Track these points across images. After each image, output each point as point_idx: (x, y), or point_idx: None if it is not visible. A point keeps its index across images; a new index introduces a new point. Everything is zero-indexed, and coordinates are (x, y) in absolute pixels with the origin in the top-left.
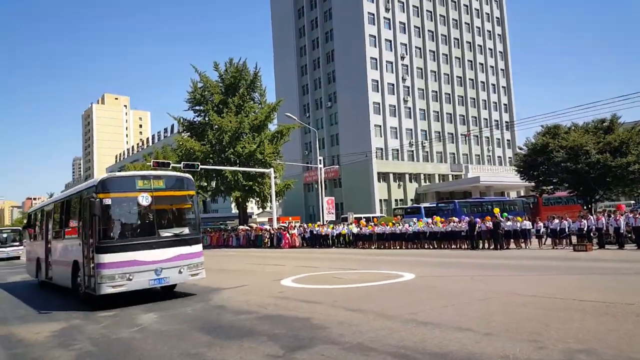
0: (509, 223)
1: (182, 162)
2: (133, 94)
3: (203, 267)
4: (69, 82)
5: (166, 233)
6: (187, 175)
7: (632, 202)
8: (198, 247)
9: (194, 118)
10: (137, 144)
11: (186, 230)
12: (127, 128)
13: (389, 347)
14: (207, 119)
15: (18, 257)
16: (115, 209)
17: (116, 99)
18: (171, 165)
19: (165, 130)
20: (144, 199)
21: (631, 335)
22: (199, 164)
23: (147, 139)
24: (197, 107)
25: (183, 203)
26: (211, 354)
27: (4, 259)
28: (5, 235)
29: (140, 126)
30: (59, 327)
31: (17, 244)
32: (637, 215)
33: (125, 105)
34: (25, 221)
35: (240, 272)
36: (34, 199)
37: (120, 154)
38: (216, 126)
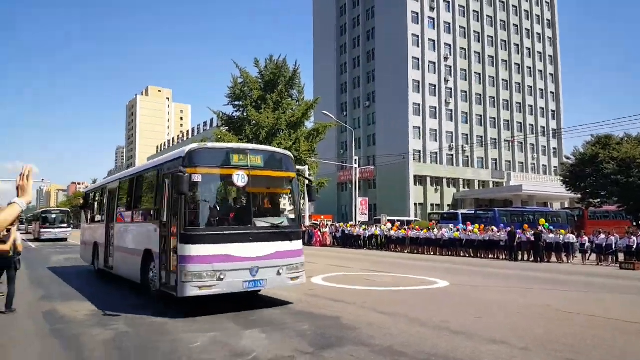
0: (551, 235)
1: None
2: (175, 87)
3: (304, 269)
4: (116, 73)
5: (263, 223)
6: (288, 152)
7: None
8: (299, 244)
9: (232, 113)
10: (178, 136)
11: (285, 222)
12: (168, 120)
13: (419, 354)
14: (245, 114)
15: (66, 239)
16: (205, 188)
17: (159, 91)
18: None
19: (205, 123)
20: (240, 178)
21: None
22: None
23: (187, 131)
24: (236, 102)
25: (282, 187)
26: (242, 343)
27: (52, 240)
28: (54, 216)
29: (181, 119)
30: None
31: (65, 225)
32: None
33: (168, 98)
34: (81, 201)
35: None
36: (78, 184)
37: (161, 145)
38: (254, 122)
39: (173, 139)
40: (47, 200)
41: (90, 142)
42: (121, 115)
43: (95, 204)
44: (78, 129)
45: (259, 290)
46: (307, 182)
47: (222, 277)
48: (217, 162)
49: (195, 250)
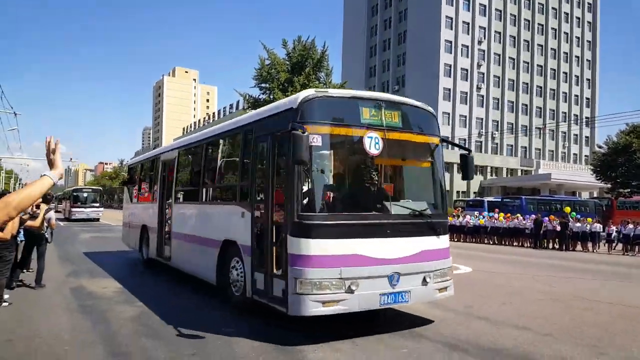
0: (577, 224)
1: None
2: (202, 68)
3: (452, 276)
4: (143, 53)
5: (402, 209)
6: (431, 109)
7: None
8: (446, 240)
9: (259, 95)
10: (204, 118)
11: (428, 208)
12: (195, 102)
13: (440, 337)
14: (272, 97)
15: (98, 219)
16: (324, 156)
17: (186, 72)
18: None
19: (231, 106)
20: (374, 143)
21: None
22: None
23: (214, 113)
24: (263, 85)
25: (424, 157)
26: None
27: (84, 220)
28: (85, 194)
29: (208, 100)
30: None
31: (98, 204)
32: None
33: (195, 79)
34: (126, 175)
35: None
36: (106, 163)
37: (187, 127)
38: None
39: (199, 120)
40: (75, 180)
41: (117, 123)
42: (148, 96)
43: (145, 178)
44: (105, 109)
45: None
46: (462, 151)
47: (353, 288)
48: (341, 118)
49: (316, 247)
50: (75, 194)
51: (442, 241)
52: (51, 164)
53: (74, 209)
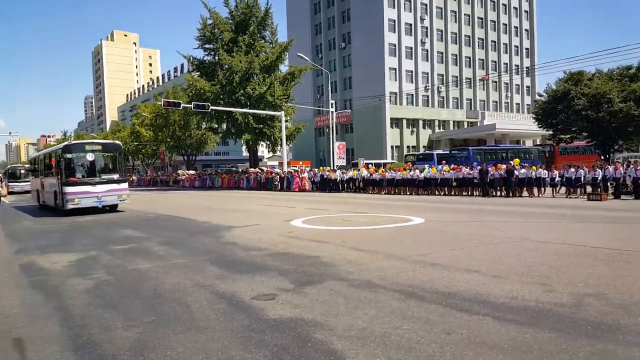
0: (522, 171)
1: (192, 103)
2: (142, 31)
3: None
4: (79, 15)
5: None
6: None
7: None
8: (125, 185)
9: (203, 57)
10: (148, 83)
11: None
12: (137, 66)
13: (397, 286)
14: (217, 58)
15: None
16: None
17: (125, 35)
18: (182, 105)
19: (176, 69)
20: (89, 157)
21: None
22: (209, 104)
23: (157, 78)
24: (207, 46)
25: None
26: (224, 286)
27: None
28: (20, 171)
29: (150, 65)
30: (75, 258)
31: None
32: None
33: (135, 43)
34: None
35: (251, 212)
36: (49, 136)
37: (131, 93)
38: (226, 66)
39: (143, 86)
40: (18, 155)
41: (58, 94)
42: (87, 63)
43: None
44: (44, 79)
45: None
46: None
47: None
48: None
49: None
50: (10, 171)
51: (122, 186)
52: None
53: (10, 184)
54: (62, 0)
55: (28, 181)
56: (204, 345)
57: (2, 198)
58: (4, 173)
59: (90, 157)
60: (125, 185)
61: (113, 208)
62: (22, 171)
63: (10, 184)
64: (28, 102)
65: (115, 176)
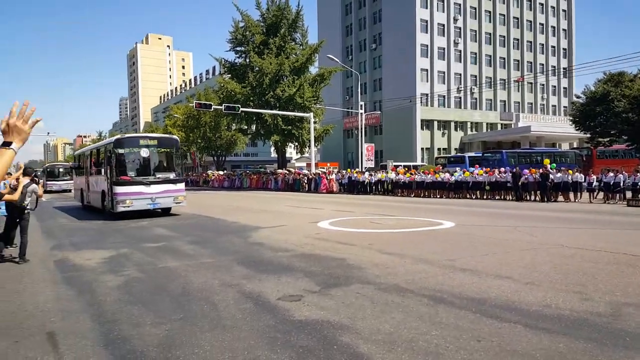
0: (558, 175)
1: (223, 104)
2: (176, 34)
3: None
4: (116, 20)
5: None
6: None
7: None
8: (182, 185)
9: (235, 59)
10: (180, 85)
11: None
12: (170, 69)
13: (425, 290)
14: (248, 60)
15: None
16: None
17: (159, 38)
18: (213, 107)
19: (207, 71)
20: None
21: None
22: (240, 106)
23: (190, 80)
24: (238, 48)
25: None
26: (250, 286)
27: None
28: (59, 169)
29: (183, 67)
30: (108, 255)
31: (67, 177)
32: None
33: (169, 46)
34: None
35: (279, 213)
36: (84, 136)
37: (164, 95)
38: (257, 68)
39: (176, 88)
40: (55, 154)
41: (93, 95)
42: (122, 65)
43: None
44: (80, 81)
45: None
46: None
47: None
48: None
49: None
50: (49, 169)
51: (179, 186)
52: (15, 131)
53: (48, 182)
54: (100, 3)
55: (67, 179)
56: (230, 344)
57: (40, 198)
58: (43, 171)
59: (144, 152)
60: (181, 185)
61: (166, 211)
62: (61, 169)
63: (48, 182)
64: (64, 102)
65: (172, 175)
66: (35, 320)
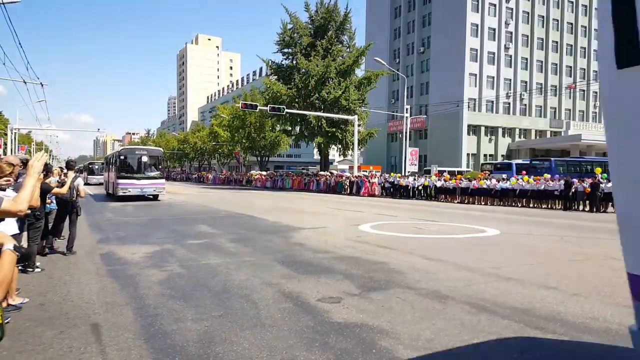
0: (609, 185)
1: (269, 105)
2: (225, 35)
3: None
4: (166, 21)
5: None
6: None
7: None
8: (163, 181)
9: (282, 61)
10: (228, 86)
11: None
12: (218, 69)
13: (467, 298)
14: (294, 62)
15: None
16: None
17: (209, 39)
18: (258, 107)
19: (254, 72)
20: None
21: None
22: (285, 107)
23: (237, 80)
24: (285, 50)
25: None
26: (290, 286)
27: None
28: (96, 167)
29: (231, 68)
30: (152, 250)
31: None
32: None
33: (217, 47)
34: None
35: (320, 214)
36: (133, 134)
37: (211, 95)
38: (303, 70)
39: (223, 88)
40: (104, 150)
41: (143, 93)
42: (172, 65)
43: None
44: (131, 80)
45: None
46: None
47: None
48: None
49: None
50: (90, 166)
51: (160, 181)
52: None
53: (89, 177)
54: (152, 5)
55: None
56: (269, 343)
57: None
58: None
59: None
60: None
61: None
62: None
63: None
64: (113, 100)
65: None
66: (80, 311)
